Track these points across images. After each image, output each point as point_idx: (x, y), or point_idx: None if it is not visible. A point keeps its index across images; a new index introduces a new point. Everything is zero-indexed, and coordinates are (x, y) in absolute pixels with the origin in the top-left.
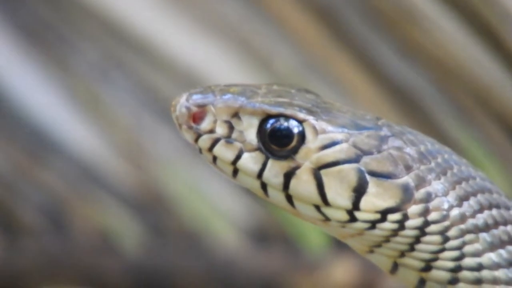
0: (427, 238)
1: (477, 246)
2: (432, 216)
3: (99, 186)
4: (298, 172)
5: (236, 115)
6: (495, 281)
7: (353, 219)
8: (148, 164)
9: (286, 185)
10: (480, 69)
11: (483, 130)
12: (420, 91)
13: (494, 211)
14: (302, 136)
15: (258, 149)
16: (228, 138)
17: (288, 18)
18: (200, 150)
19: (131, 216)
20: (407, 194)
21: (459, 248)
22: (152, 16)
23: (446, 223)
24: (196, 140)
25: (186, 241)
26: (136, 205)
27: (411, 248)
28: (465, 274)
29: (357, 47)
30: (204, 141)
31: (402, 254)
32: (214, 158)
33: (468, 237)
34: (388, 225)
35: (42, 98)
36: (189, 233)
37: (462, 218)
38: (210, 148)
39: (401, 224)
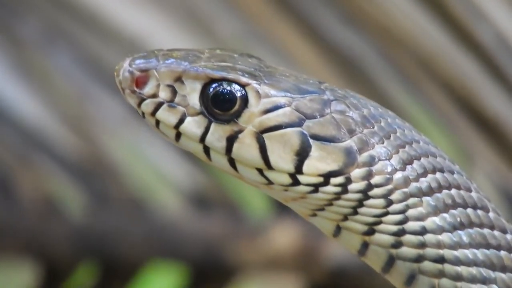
0: (370, 202)
1: (420, 210)
2: (375, 179)
3: (43, 152)
4: (241, 136)
5: (179, 79)
6: (438, 245)
7: (296, 182)
8: (92, 131)
9: (229, 149)
10: (424, 34)
11: (427, 95)
12: (365, 57)
13: (438, 175)
14: (245, 100)
15: (201, 113)
16: (171, 103)
17: None
18: (143, 115)
19: (75, 182)
20: (350, 157)
21: (402, 211)
22: None
23: (389, 186)
24: (139, 104)
25: (129, 207)
26: (80, 171)
27: (354, 211)
28: (408, 237)
29: (301, 14)
30: (147, 106)
31: (345, 217)
32: (157, 122)
33: (411, 200)
34: (331, 188)
35: None
36: (132, 199)
37: (406, 182)
38: (153, 113)
39: (344, 188)
